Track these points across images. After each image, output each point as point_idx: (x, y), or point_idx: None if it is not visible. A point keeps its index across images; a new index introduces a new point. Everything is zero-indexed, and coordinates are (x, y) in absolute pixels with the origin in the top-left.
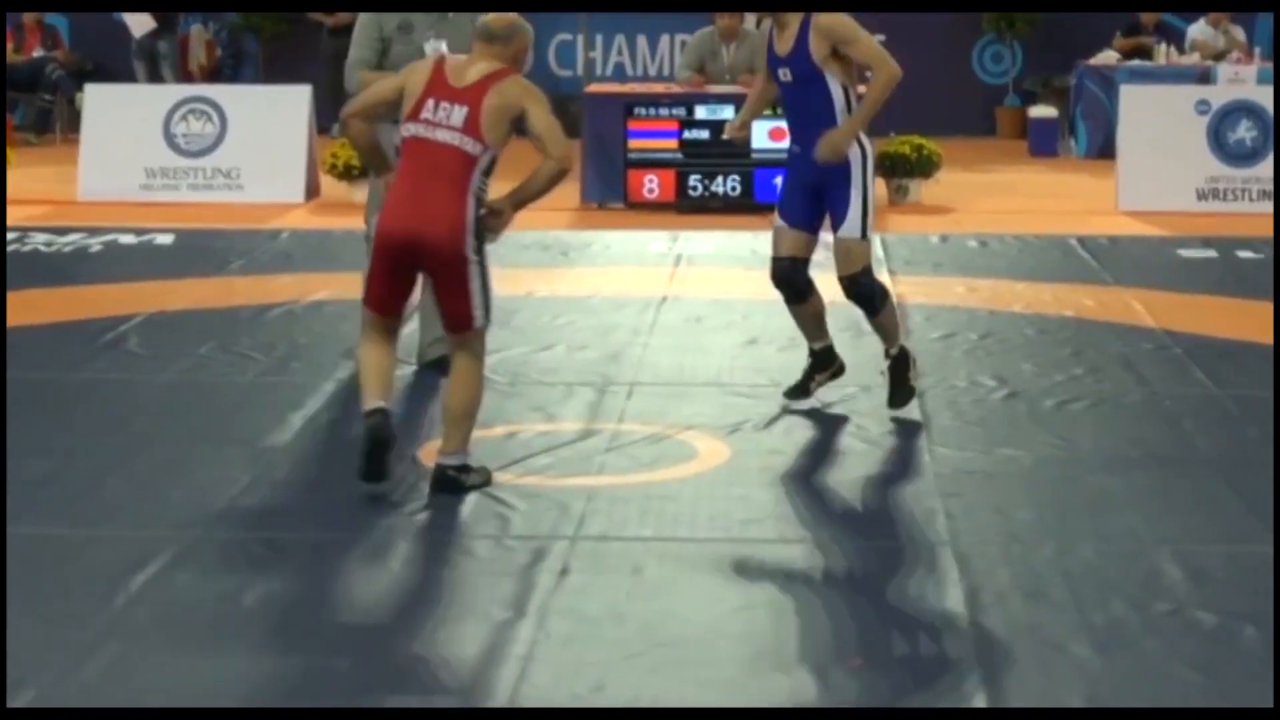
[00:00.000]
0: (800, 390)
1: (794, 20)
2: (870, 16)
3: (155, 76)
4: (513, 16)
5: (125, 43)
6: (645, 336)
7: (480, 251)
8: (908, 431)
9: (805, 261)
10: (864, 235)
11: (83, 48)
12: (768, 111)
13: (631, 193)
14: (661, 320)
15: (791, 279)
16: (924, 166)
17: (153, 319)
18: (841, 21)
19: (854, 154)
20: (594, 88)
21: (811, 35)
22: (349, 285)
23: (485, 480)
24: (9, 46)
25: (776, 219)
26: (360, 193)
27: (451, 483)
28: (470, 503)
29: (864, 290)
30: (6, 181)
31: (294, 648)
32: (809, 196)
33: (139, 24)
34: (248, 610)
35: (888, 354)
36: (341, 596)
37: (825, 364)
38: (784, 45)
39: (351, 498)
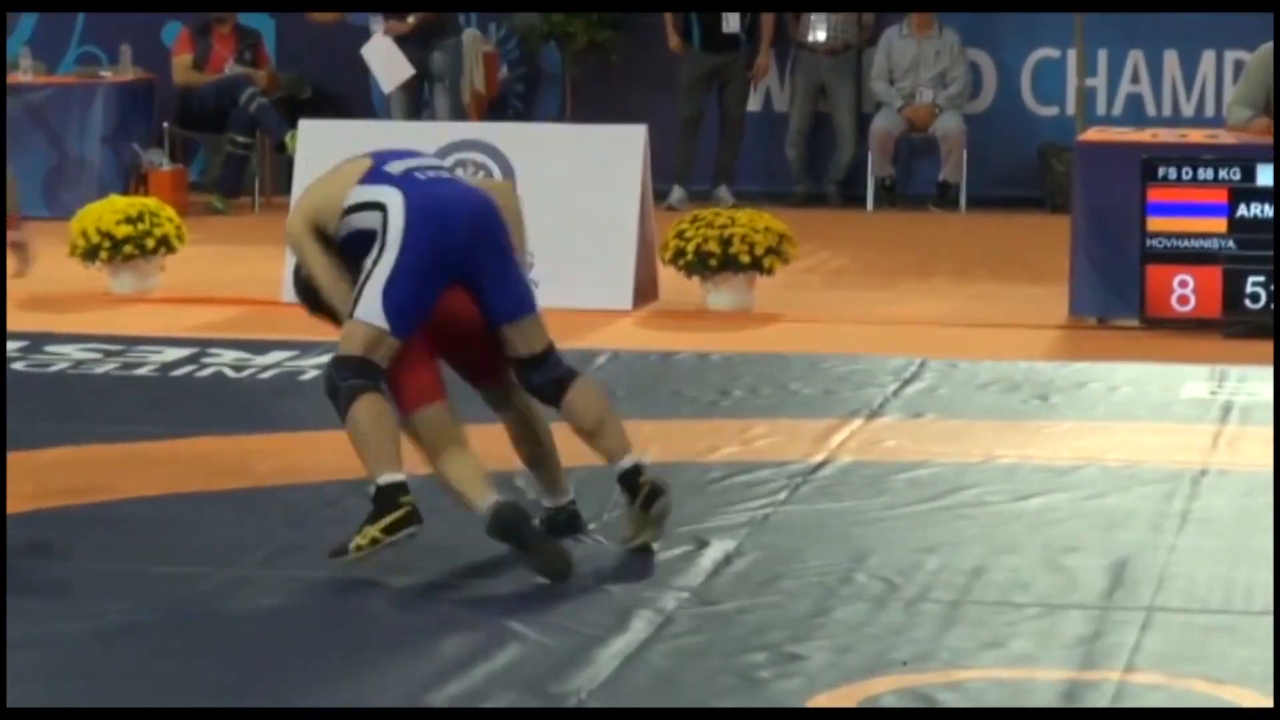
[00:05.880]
0: None
1: None
2: None
3: (416, 106)
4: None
5: (360, 53)
6: (1172, 534)
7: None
8: None
9: None
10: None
11: (296, 62)
12: None
13: (1152, 303)
14: (1199, 508)
15: None
16: None
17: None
18: None
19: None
20: (1093, 134)
21: None
22: (695, 439)
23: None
24: (187, 59)
25: None
26: (720, 296)
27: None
28: None
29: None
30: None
31: None
32: None
33: (393, 71)
34: None
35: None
36: None
37: None
38: None
39: None
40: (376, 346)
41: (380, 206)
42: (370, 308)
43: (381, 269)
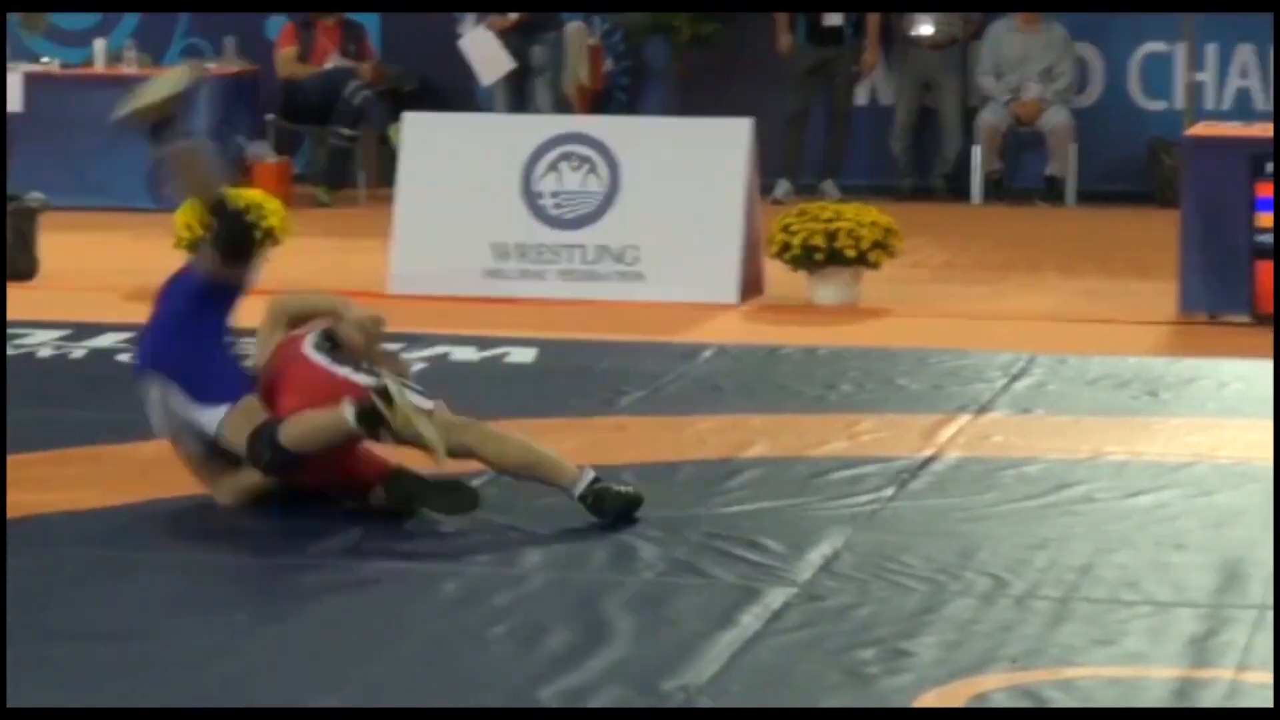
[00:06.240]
0: None
1: None
2: None
3: (519, 99)
4: None
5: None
6: None
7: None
8: None
9: None
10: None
11: (401, 55)
12: None
13: (1262, 299)
14: None
15: None
16: None
17: (504, 478)
18: None
19: None
20: (1202, 129)
21: None
22: (802, 433)
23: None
24: (292, 51)
25: None
26: (826, 290)
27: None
28: None
29: None
30: None
31: None
32: None
33: (491, 64)
34: None
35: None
36: None
37: None
38: None
39: None
40: (253, 413)
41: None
42: (211, 416)
43: (176, 401)
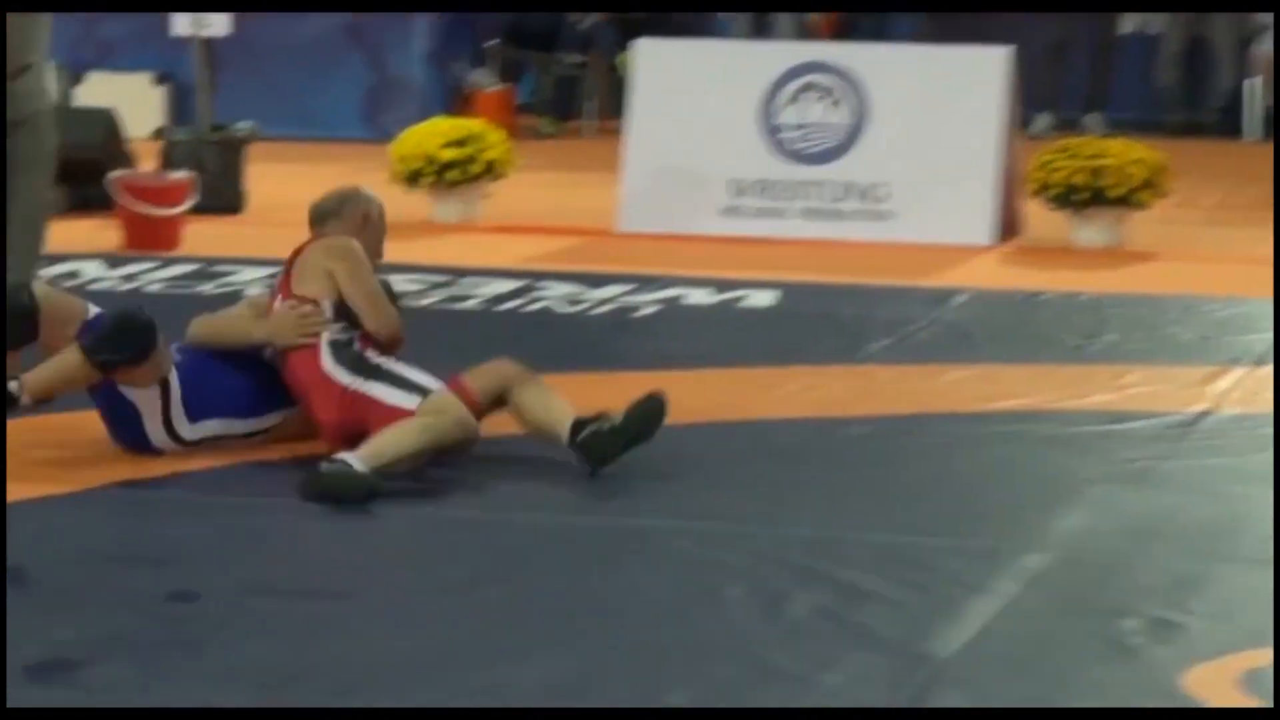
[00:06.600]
0: None
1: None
2: None
3: (759, 25)
4: (341, 190)
5: None
6: None
7: (364, 372)
8: None
9: None
10: None
11: None
12: None
13: None
14: None
15: None
16: None
17: (736, 430)
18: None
19: None
20: None
21: None
22: (1062, 385)
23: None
24: None
25: None
26: (1089, 232)
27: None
28: None
29: None
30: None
31: None
32: None
33: None
34: None
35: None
36: None
37: None
38: None
39: None
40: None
41: None
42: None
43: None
